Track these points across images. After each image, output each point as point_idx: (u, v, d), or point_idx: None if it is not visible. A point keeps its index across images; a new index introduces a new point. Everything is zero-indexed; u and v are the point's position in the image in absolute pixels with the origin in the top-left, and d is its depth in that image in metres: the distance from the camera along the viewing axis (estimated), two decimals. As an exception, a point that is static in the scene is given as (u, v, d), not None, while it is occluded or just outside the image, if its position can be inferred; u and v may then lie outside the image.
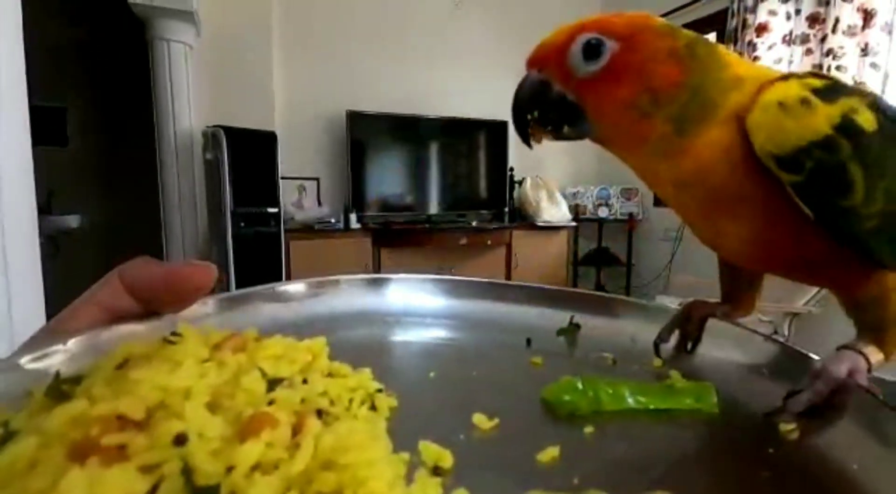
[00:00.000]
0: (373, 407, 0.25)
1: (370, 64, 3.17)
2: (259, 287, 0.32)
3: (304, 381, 0.23)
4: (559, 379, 0.28)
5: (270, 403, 0.20)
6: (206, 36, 2.65)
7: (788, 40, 2.56)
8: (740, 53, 2.63)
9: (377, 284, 0.39)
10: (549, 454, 0.23)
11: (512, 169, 3.37)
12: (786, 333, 2.16)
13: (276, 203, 2.59)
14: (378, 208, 3.14)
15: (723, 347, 0.34)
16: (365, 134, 3.08)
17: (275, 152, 2.59)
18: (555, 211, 3.27)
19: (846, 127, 0.26)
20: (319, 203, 3.11)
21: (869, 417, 0.24)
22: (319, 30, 3.07)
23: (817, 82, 0.28)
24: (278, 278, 2.45)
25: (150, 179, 2.65)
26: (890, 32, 2.23)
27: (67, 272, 1.90)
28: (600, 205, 3.40)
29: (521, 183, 3.39)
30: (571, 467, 0.22)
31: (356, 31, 3.15)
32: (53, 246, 3.08)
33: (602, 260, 3.41)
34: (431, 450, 0.22)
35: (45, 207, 3.09)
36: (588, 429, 0.25)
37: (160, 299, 0.25)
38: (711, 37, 2.90)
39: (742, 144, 0.27)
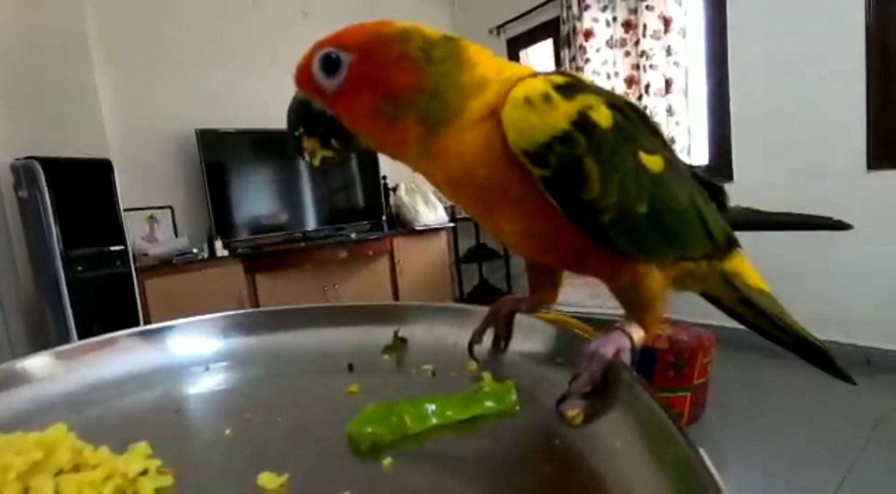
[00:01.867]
0: (135, 494, 0.22)
1: (218, 77, 2.93)
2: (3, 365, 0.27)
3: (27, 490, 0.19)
4: (365, 409, 0.28)
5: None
6: (2, 54, 2.23)
7: (611, 44, 2.91)
8: (574, 57, 2.94)
9: (170, 332, 0.34)
10: (337, 501, 0.21)
11: (385, 177, 3.36)
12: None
13: (120, 240, 2.27)
14: (248, 231, 2.91)
15: (526, 341, 0.35)
16: (222, 153, 2.84)
17: (112, 182, 2.27)
18: (432, 214, 3.34)
19: (583, 123, 0.28)
20: (176, 234, 2.80)
21: (627, 394, 0.27)
22: (150, 42, 2.76)
23: (559, 79, 0.29)
24: (135, 325, 2.15)
25: (-57, 229, 2.16)
26: (684, 35, 2.65)
27: None
28: (474, 204, 3.53)
29: (395, 190, 3.40)
30: (359, 511, 0.21)
31: (195, 42, 2.89)
32: None
33: (482, 256, 3.56)
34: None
35: None
36: (387, 461, 0.25)
37: None
38: (548, 43, 3.18)
39: (501, 141, 0.28)
